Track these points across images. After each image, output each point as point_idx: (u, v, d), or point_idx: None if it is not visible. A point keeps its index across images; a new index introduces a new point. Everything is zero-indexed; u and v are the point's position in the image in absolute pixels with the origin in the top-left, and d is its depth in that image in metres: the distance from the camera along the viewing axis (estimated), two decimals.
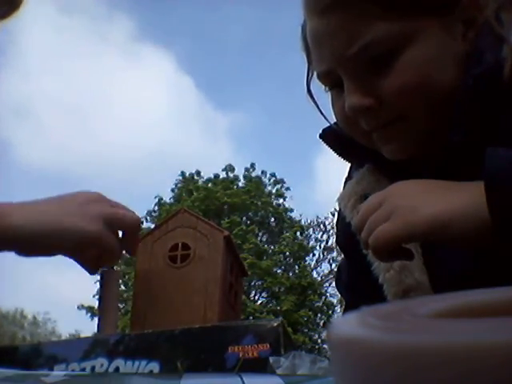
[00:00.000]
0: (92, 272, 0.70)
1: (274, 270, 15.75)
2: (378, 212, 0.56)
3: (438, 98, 0.62)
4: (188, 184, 17.27)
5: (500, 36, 0.60)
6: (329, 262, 16.35)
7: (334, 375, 0.20)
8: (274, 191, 17.68)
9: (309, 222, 17.02)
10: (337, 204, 0.80)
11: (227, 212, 16.40)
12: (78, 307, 15.95)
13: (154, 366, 0.76)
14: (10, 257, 0.63)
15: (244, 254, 13.66)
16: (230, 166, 17.70)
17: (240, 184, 17.40)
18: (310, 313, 15.19)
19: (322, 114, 0.75)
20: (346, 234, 0.75)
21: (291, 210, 17.50)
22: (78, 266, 0.69)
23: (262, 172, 17.79)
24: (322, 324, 15.69)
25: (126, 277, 13.56)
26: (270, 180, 17.80)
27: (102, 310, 0.74)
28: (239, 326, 0.78)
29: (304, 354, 0.67)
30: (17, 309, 22.06)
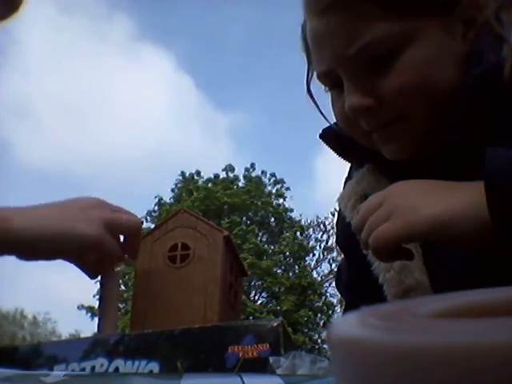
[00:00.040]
0: (92, 276, 0.70)
1: (274, 270, 15.76)
2: (377, 212, 0.56)
3: (438, 98, 0.62)
4: (188, 184, 17.28)
5: (500, 36, 0.60)
6: (329, 262, 16.36)
7: (334, 375, 0.20)
8: (274, 191, 17.69)
9: (309, 222, 17.04)
10: (337, 204, 0.80)
11: (227, 212, 16.41)
12: (77, 307, 15.97)
13: (154, 366, 0.76)
14: (10, 257, 0.63)
15: (244, 254, 13.66)
16: (230, 166, 17.71)
17: (240, 184, 17.41)
18: (310, 313, 15.19)
19: (321, 114, 0.75)
20: (346, 234, 0.75)
21: (291, 210, 17.52)
22: None
23: (262, 172, 17.81)
24: (322, 324, 15.69)
25: (126, 277, 13.55)
26: (270, 180, 17.82)
27: (103, 310, 0.74)
28: (239, 326, 0.78)
29: (304, 354, 0.67)
30: (17, 309, 22.09)
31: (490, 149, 0.52)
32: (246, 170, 17.69)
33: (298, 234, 16.88)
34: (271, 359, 0.68)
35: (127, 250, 0.69)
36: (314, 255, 16.73)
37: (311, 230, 17.00)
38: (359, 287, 0.78)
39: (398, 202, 0.55)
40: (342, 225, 0.78)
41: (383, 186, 0.63)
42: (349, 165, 0.82)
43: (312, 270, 16.48)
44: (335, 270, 1.11)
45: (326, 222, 16.23)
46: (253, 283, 15.79)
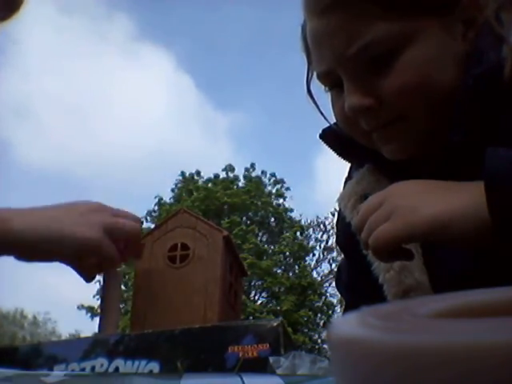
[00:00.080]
0: (88, 280, 0.70)
1: (274, 270, 15.75)
2: (377, 212, 0.56)
3: (438, 98, 0.62)
4: (188, 184, 17.28)
5: (500, 36, 0.60)
6: (329, 262, 16.36)
7: (334, 375, 0.20)
8: (274, 191, 17.68)
9: (309, 222, 17.04)
10: (337, 204, 0.80)
11: (227, 212, 16.41)
12: (77, 307, 15.95)
13: (154, 366, 0.76)
14: (9, 258, 0.63)
15: (244, 254, 13.67)
16: (230, 165, 17.71)
17: (240, 184, 17.41)
18: (310, 313, 15.19)
19: (321, 114, 0.75)
20: (346, 234, 0.75)
21: (291, 210, 17.51)
22: None
23: (262, 172, 17.81)
24: (322, 324, 15.69)
25: (126, 277, 13.55)
26: (270, 180, 17.81)
27: (104, 310, 0.74)
28: (239, 326, 0.78)
29: (304, 354, 0.67)
30: (17, 309, 22.09)
31: (489, 149, 0.52)
32: (246, 170, 17.69)
33: (298, 234, 16.88)
34: (271, 359, 0.68)
35: (128, 253, 0.70)
36: (314, 255, 16.74)
37: (311, 229, 17.01)
38: (359, 287, 0.78)
39: (397, 202, 0.55)
40: (342, 225, 0.78)
41: (383, 186, 0.63)
42: (349, 165, 0.82)
43: (312, 270, 16.48)
44: (335, 270, 1.11)
45: (326, 222, 16.24)
46: (253, 283, 15.79)
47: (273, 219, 17.23)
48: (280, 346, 0.72)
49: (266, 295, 16.05)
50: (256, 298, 16.02)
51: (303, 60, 0.73)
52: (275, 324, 0.74)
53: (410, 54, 0.61)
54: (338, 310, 15.11)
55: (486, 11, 0.62)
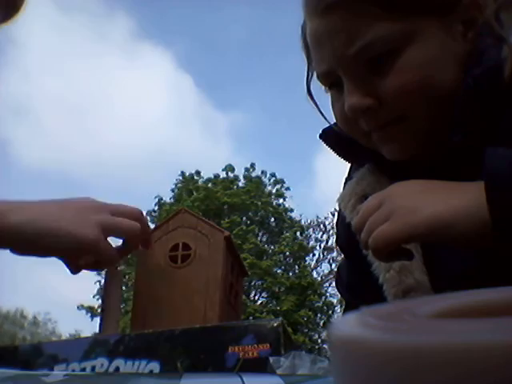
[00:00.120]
0: (74, 272, 0.70)
1: (274, 270, 15.75)
2: (377, 212, 0.56)
3: (438, 98, 0.62)
4: (188, 184, 17.27)
5: (500, 36, 0.60)
6: (329, 262, 16.35)
7: (333, 375, 0.20)
8: (274, 191, 17.68)
9: (309, 222, 17.03)
10: (337, 204, 0.79)
11: (227, 212, 16.40)
12: (77, 307, 15.96)
13: (154, 366, 0.76)
14: (10, 257, 0.63)
15: (244, 254, 13.66)
16: (230, 165, 17.71)
17: (240, 184, 17.40)
18: (310, 313, 15.18)
19: (321, 114, 0.75)
20: (346, 234, 0.75)
21: (291, 210, 17.51)
22: None
23: (262, 172, 17.80)
24: (321, 324, 15.69)
25: (127, 277, 13.55)
26: (270, 180, 17.80)
27: (105, 311, 0.74)
28: (239, 325, 0.78)
29: (304, 354, 0.67)
30: (17, 309, 22.09)
31: (489, 149, 0.52)
32: (246, 170, 17.69)
33: (298, 234, 16.88)
34: (271, 359, 0.68)
35: (127, 251, 0.70)
36: (314, 255, 16.74)
37: (311, 230, 17.00)
38: (359, 287, 0.78)
39: (397, 202, 0.55)
40: (342, 225, 0.78)
41: (383, 186, 0.63)
42: (349, 165, 0.82)
43: (312, 270, 16.47)
44: (335, 270, 1.11)
45: (326, 222, 16.23)
46: (253, 283, 15.79)
47: (273, 219, 17.22)
48: (280, 346, 0.72)
49: (266, 295, 16.05)
50: (256, 298, 16.02)
51: (303, 60, 0.73)
52: (275, 324, 0.75)
53: (410, 54, 0.61)
54: (338, 310, 15.11)
55: (486, 11, 0.62)
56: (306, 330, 15.45)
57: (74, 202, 0.66)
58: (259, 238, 16.64)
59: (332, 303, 15.94)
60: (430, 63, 0.62)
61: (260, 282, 15.70)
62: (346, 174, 0.82)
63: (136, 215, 0.70)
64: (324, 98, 0.71)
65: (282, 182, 17.73)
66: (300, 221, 17.23)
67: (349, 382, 0.19)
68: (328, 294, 16.06)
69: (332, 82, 0.67)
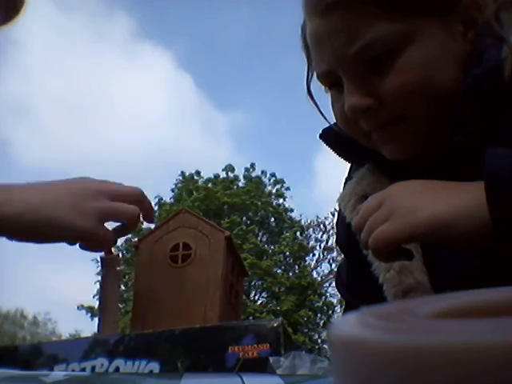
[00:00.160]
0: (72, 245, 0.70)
1: (274, 270, 15.75)
2: (377, 212, 0.56)
3: (438, 98, 0.62)
4: (188, 184, 17.27)
5: (500, 36, 0.60)
6: (329, 262, 16.34)
7: (333, 375, 0.20)
8: (274, 191, 17.67)
9: (309, 222, 17.03)
10: (337, 204, 0.79)
11: (227, 212, 16.40)
12: (77, 307, 15.95)
13: (154, 366, 0.76)
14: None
15: (244, 254, 13.66)
16: (230, 166, 17.70)
17: (240, 184, 17.40)
18: (310, 313, 15.17)
19: (321, 114, 0.75)
20: (346, 234, 0.75)
21: (291, 210, 17.50)
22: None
23: (262, 172, 17.79)
24: (321, 324, 15.68)
25: (126, 277, 13.55)
26: (270, 180, 17.80)
27: (103, 310, 0.74)
28: (239, 325, 0.78)
29: (304, 354, 0.67)
30: (17, 309, 22.10)
31: (489, 149, 0.52)
32: (246, 170, 17.68)
33: (298, 234, 16.87)
34: (271, 359, 0.68)
35: (126, 231, 0.69)
36: (314, 255, 16.73)
37: (311, 230, 17.00)
38: (359, 287, 0.78)
39: (397, 202, 0.55)
40: (342, 225, 0.78)
41: (383, 186, 0.63)
42: (349, 165, 0.82)
43: (312, 270, 16.47)
44: (335, 269, 1.11)
45: (326, 222, 16.21)
46: (253, 283, 15.79)
47: (273, 219, 17.22)
48: (280, 346, 0.72)
49: (266, 295, 16.05)
50: (256, 298, 16.02)
51: (303, 60, 0.73)
52: (275, 324, 0.75)
53: (410, 54, 0.61)
54: (338, 310, 15.10)
55: (486, 11, 0.62)
56: (306, 330, 15.45)
57: (71, 186, 0.66)
58: (259, 238, 16.64)
59: (332, 303, 15.93)
60: (430, 63, 0.62)
61: (260, 282, 15.69)
62: (346, 174, 0.82)
63: (135, 197, 0.69)
64: (324, 98, 0.71)
65: (282, 182, 17.72)
66: (300, 221, 17.23)
67: (349, 382, 0.19)
68: (328, 294, 16.06)
69: (332, 82, 0.67)
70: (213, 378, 0.65)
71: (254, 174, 17.61)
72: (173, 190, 17.41)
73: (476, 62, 0.61)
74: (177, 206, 14.48)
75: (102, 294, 0.75)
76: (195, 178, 17.58)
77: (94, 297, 15.09)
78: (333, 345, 0.20)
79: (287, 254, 16.34)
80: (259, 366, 0.70)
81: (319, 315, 15.97)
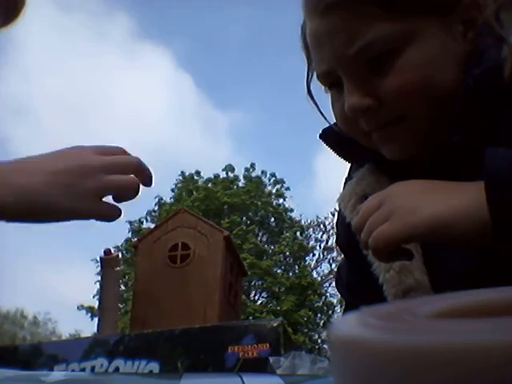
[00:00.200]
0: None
1: (274, 270, 15.75)
2: (377, 212, 0.56)
3: (438, 98, 0.62)
4: (188, 184, 17.27)
5: (500, 36, 0.60)
6: (329, 262, 16.34)
7: (334, 375, 0.20)
8: (274, 191, 17.67)
9: (309, 222, 17.02)
10: (337, 204, 0.79)
11: (227, 212, 16.40)
12: (77, 307, 15.95)
13: (154, 366, 0.76)
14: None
15: (244, 254, 13.65)
16: (230, 166, 17.70)
17: (240, 184, 17.40)
18: (310, 313, 15.17)
19: (321, 114, 0.75)
20: (346, 234, 0.75)
21: (291, 210, 17.50)
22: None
23: (262, 172, 17.79)
24: (321, 324, 15.68)
25: (126, 277, 13.55)
26: (270, 180, 17.80)
27: (103, 310, 0.74)
28: (239, 325, 0.78)
29: (304, 354, 0.67)
30: (17, 309, 22.09)
31: (489, 149, 0.52)
32: (246, 170, 17.68)
33: (298, 234, 16.87)
34: (271, 359, 0.68)
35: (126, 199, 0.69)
36: (314, 255, 16.73)
37: (311, 229, 17.00)
38: (359, 287, 0.78)
39: (397, 202, 0.55)
40: (342, 225, 0.78)
41: (383, 186, 0.63)
42: (349, 165, 0.82)
43: (312, 270, 16.47)
44: (335, 270, 1.11)
45: (326, 222, 16.21)
46: (253, 283, 15.79)
47: (273, 219, 17.22)
48: (280, 346, 0.72)
49: (266, 295, 16.04)
50: (256, 297, 16.02)
51: (303, 60, 0.73)
52: (275, 324, 0.75)
53: (410, 54, 0.61)
54: (338, 310, 15.10)
55: (486, 11, 0.62)
56: (306, 330, 15.45)
57: (65, 162, 0.64)
58: (259, 238, 16.64)
59: (332, 303, 15.93)
60: (430, 63, 0.62)
61: (260, 282, 15.69)
62: (346, 174, 0.82)
63: (133, 167, 0.68)
64: (324, 98, 0.71)
65: (282, 182, 17.72)
66: (300, 221, 17.23)
67: (349, 382, 0.19)
68: (328, 294, 16.06)
69: (332, 82, 0.67)
70: (213, 378, 0.65)
71: (254, 174, 17.61)
72: (173, 190, 17.41)
73: (476, 62, 0.61)
74: (177, 205, 14.48)
75: (102, 294, 0.74)
76: (195, 177, 17.58)
77: (94, 297, 15.10)
78: (333, 345, 0.20)
79: (287, 254, 16.34)
80: (259, 365, 0.70)
81: (319, 315, 15.97)
